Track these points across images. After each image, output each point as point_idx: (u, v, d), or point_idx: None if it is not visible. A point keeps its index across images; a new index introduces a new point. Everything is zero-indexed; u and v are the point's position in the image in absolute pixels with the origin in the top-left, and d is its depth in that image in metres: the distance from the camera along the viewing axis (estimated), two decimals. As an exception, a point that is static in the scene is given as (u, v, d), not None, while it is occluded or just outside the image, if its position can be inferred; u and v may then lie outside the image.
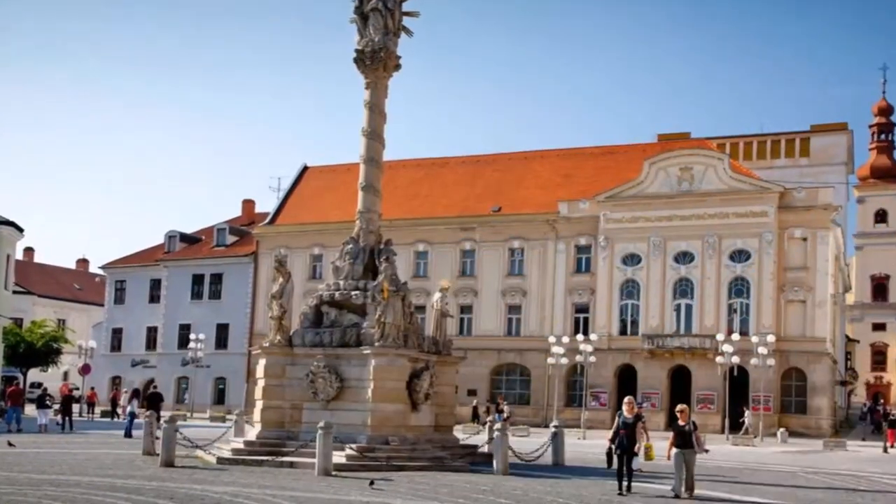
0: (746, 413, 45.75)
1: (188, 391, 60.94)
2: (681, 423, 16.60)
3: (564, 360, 46.89)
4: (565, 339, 48.31)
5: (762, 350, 44.25)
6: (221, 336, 63.06)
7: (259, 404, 23.38)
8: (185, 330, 62.45)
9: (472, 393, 53.25)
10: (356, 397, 22.12)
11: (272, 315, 23.79)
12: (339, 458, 19.95)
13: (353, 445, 20.73)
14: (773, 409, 48.89)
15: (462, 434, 28.02)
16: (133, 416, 32.94)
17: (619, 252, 53.09)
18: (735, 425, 45.28)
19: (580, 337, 48.66)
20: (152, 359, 65.39)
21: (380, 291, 22.41)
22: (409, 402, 22.59)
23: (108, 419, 47.18)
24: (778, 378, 49.56)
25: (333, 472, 19.05)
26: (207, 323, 62.18)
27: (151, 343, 66.24)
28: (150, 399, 32.95)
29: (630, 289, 53.09)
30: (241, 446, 22.47)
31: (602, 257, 53.40)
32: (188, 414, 51.74)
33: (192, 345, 55.53)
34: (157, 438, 22.26)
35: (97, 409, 51.37)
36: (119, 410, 47.73)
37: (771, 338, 46.09)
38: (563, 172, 58.84)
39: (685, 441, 16.43)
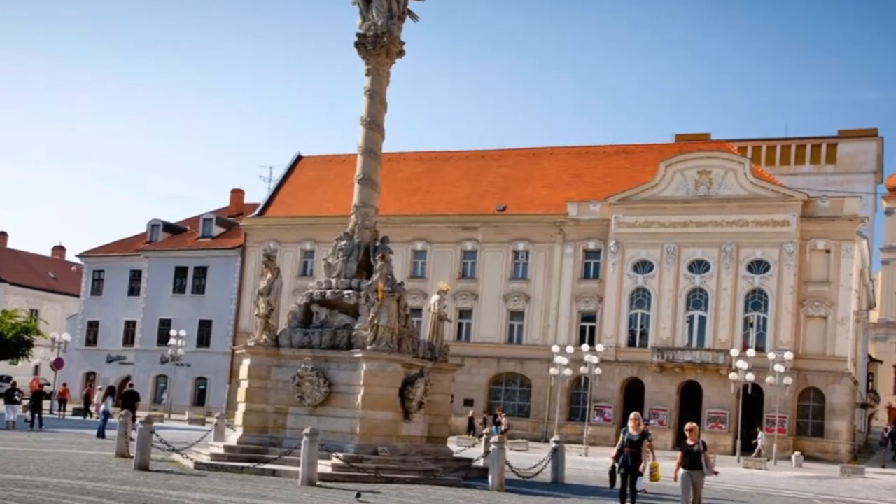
0: (760, 434, 45.79)
1: (166, 391, 60.96)
2: (689, 442, 16.60)
3: (568, 372, 46.95)
4: (570, 349, 48.35)
5: (779, 368, 44.25)
6: (204, 333, 63.14)
7: (241, 407, 23.40)
8: (165, 325, 62.50)
9: (468, 403, 53.30)
10: (345, 403, 22.13)
11: (258, 313, 23.81)
12: (324, 467, 19.98)
13: (340, 454, 20.75)
14: (789, 430, 48.89)
15: (456, 446, 28.02)
16: (107, 415, 33.02)
17: (630, 258, 53.11)
18: (747, 447, 45.30)
19: (585, 347, 48.64)
20: (129, 355, 65.43)
21: (374, 292, 22.41)
22: (401, 410, 22.59)
23: (81, 418, 47.30)
24: (794, 398, 49.56)
25: (318, 483, 19.07)
26: (189, 319, 62.18)
27: (129, 338, 66.28)
28: (126, 398, 33.06)
29: (640, 298, 53.10)
30: (221, 451, 22.48)
31: (612, 263, 53.41)
32: (166, 415, 51.81)
33: (172, 341, 55.56)
34: (132, 440, 22.29)
35: (69, 407, 51.47)
36: (92, 409, 47.83)
37: (788, 355, 46.08)
38: (573, 171, 58.90)
39: (693, 462, 16.43)
